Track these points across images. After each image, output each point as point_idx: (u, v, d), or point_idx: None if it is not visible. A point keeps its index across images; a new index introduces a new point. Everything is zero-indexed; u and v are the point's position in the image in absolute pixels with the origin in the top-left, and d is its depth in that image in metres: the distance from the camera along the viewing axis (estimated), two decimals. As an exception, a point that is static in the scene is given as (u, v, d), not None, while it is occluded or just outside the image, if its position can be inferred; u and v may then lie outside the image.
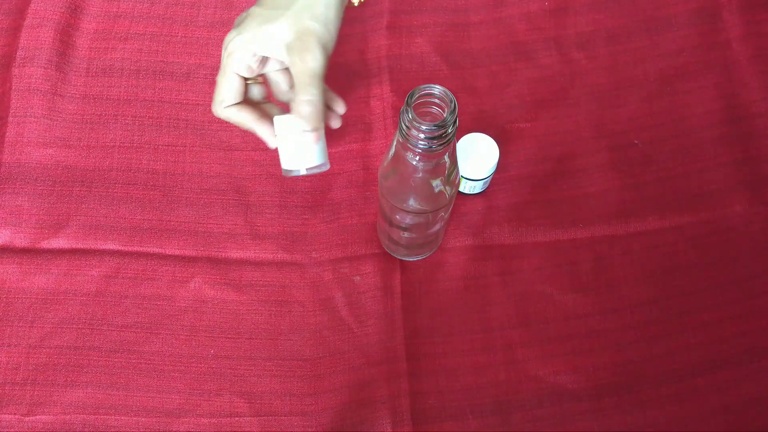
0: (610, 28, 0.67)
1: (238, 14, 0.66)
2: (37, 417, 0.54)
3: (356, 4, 0.55)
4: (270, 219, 0.60)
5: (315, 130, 0.49)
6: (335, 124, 0.54)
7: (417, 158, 0.44)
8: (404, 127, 0.41)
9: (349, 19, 0.67)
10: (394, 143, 0.45)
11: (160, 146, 0.62)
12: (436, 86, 0.42)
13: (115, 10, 0.66)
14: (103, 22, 0.66)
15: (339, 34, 0.66)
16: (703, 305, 0.57)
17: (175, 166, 0.61)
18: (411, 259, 0.58)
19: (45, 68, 0.63)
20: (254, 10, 0.49)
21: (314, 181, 0.61)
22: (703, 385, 0.55)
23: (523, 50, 0.66)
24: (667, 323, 0.57)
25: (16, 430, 0.53)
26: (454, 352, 0.56)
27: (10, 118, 0.61)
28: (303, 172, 0.50)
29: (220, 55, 0.64)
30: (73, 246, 0.58)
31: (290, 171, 0.50)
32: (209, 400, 0.55)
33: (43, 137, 0.61)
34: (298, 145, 0.49)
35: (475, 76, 0.65)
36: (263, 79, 0.52)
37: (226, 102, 0.50)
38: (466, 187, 0.59)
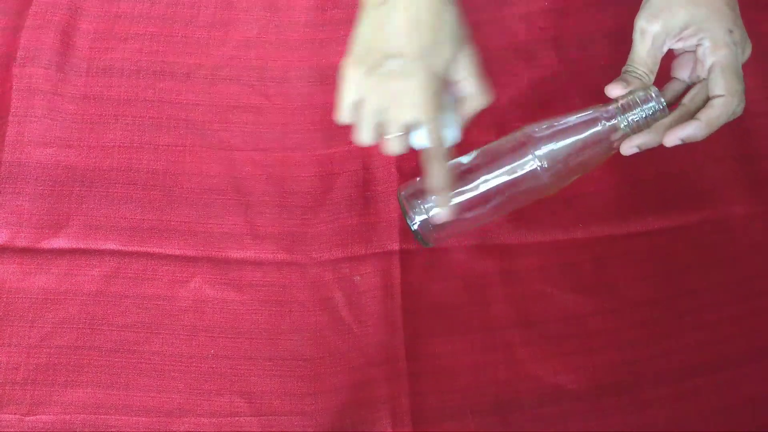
0: (610, 28, 0.67)
1: (238, 14, 0.66)
2: (37, 417, 0.54)
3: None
4: (270, 219, 0.60)
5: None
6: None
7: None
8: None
9: (349, 19, 0.67)
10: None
11: (160, 146, 0.62)
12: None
13: (115, 10, 0.66)
14: (103, 23, 0.66)
15: (339, 35, 0.66)
16: (703, 305, 0.57)
17: (175, 166, 0.61)
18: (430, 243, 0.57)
19: (45, 68, 0.63)
20: None
21: (314, 181, 0.61)
22: (703, 385, 0.55)
23: (523, 50, 0.66)
24: (667, 323, 0.57)
25: (16, 430, 0.53)
26: (454, 351, 0.56)
27: (11, 118, 0.61)
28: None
29: (220, 55, 0.64)
30: (73, 246, 0.58)
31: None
32: (209, 400, 0.55)
33: (44, 137, 0.61)
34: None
35: (475, 76, 0.65)
36: None
37: None
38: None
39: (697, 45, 0.51)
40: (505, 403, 0.55)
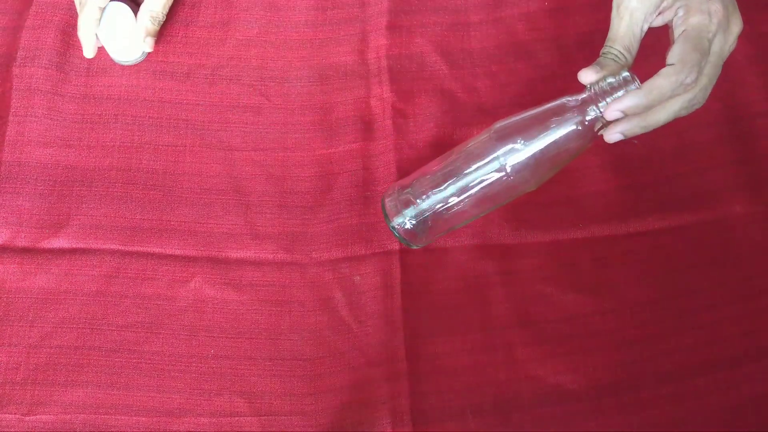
0: (610, 28, 0.67)
1: (238, 14, 0.66)
2: (37, 417, 0.54)
3: None
4: (270, 219, 0.60)
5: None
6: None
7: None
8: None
9: (349, 18, 0.67)
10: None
11: (160, 146, 0.62)
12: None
13: (115, 10, 0.66)
14: (103, 22, 0.66)
15: (339, 35, 0.66)
16: (703, 305, 0.57)
17: (175, 166, 0.61)
18: (417, 246, 0.57)
19: (46, 68, 0.63)
20: None
21: (314, 181, 0.61)
22: (703, 385, 0.55)
23: (523, 50, 0.66)
24: (667, 323, 0.57)
25: (16, 430, 0.53)
26: (454, 351, 0.56)
27: (11, 118, 0.61)
28: (132, 62, 0.63)
29: (220, 55, 0.64)
30: (74, 246, 0.58)
31: (122, 61, 0.63)
32: (209, 400, 0.55)
33: (44, 137, 0.61)
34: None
35: (475, 76, 0.65)
36: None
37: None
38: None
39: (674, 16, 0.48)
40: (505, 403, 0.55)
